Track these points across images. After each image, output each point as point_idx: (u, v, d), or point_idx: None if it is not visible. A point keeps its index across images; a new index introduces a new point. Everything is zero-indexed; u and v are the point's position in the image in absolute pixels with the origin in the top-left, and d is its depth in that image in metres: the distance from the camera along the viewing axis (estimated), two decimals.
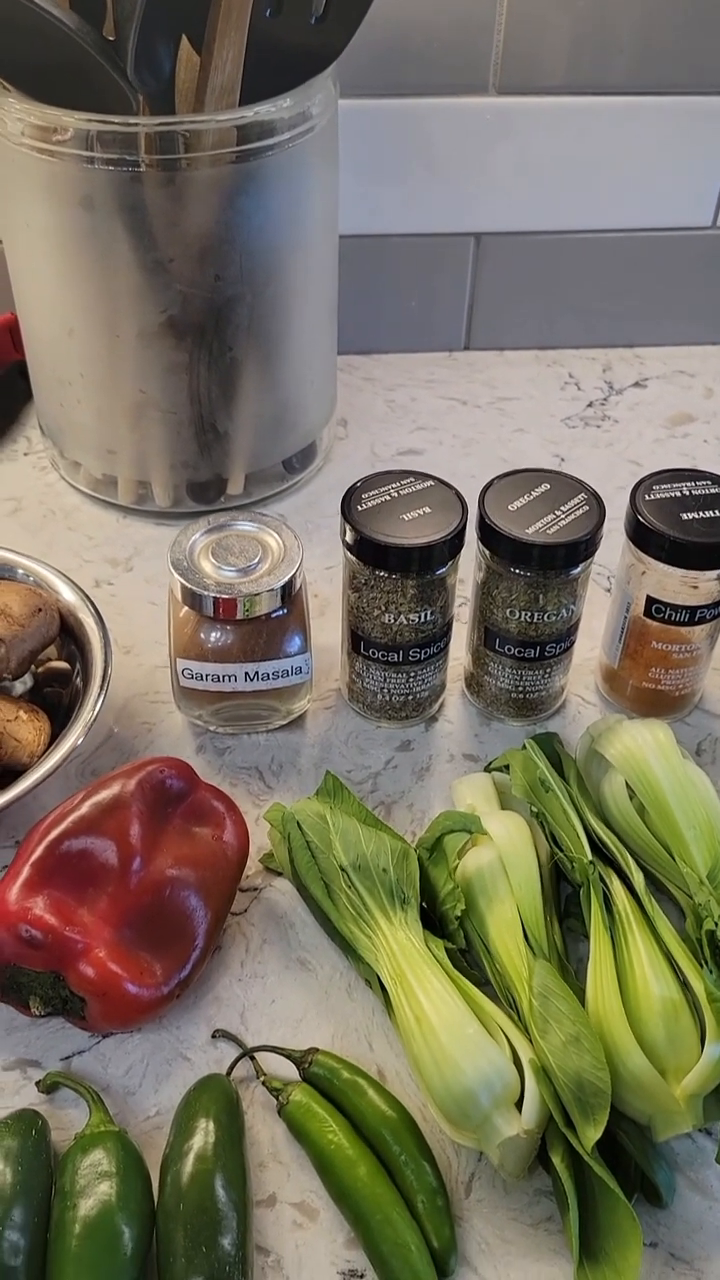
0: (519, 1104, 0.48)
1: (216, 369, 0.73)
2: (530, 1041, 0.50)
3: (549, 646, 0.64)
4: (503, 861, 0.56)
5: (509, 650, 0.64)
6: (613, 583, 0.68)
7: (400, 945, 0.53)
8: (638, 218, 0.92)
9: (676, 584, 0.62)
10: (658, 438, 0.90)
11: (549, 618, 0.63)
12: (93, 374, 0.74)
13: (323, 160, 0.72)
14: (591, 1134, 0.47)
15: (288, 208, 0.70)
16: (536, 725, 0.68)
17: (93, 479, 0.80)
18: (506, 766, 0.62)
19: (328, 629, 0.71)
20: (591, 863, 0.55)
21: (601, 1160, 0.47)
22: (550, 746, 0.63)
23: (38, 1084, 0.52)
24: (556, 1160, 0.47)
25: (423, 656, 0.64)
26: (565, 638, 0.64)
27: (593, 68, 0.84)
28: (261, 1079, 0.52)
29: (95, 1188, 0.46)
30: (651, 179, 0.90)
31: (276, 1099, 0.51)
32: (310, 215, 0.72)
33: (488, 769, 0.63)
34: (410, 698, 0.66)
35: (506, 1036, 0.50)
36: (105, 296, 0.70)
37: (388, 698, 0.66)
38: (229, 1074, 0.52)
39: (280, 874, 0.60)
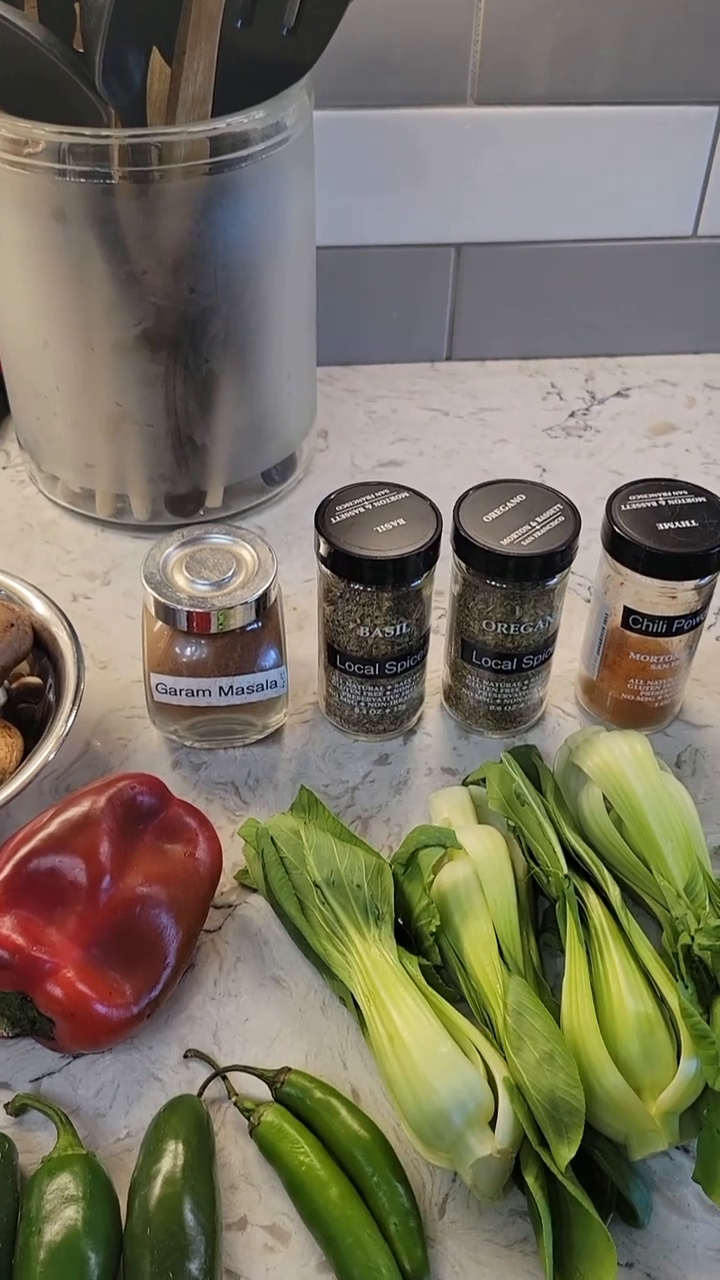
0: (493, 1123, 0.48)
1: (193, 381, 0.72)
2: (505, 1059, 0.49)
3: (526, 659, 0.64)
4: (478, 876, 0.55)
5: (486, 663, 0.64)
6: (591, 594, 0.68)
7: (374, 962, 0.52)
8: (619, 227, 0.92)
9: (654, 595, 0.62)
10: (640, 447, 0.90)
11: (526, 630, 0.62)
12: (68, 387, 0.73)
13: (298, 171, 0.72)
14: (565, 1153, 0.46)
15: (263, 219, 0.69)
16: (516, 738, 0.68)
17: (70, 492, 0.80)
18: (484, 780, 0.61)
19: (307, 642, 0.71)
20: (567, 877, 0.55)
21: (576, 1180, 0.46)
22: (528, 759, 0.62)
23: (5, 1106, 0.51)
24: (530, 1180, 0.47)
25: (399, 669, 0.64)
26: (543, 649, 0.64)
27: (572, 78, 0.84)
28: (233, 1099, 0.51)
29: (61, 1212, 0.45)
30: (632, 189, 0.90)
31: (248, 1119, 0.50)
32: (286, 226, 0.72)
33: (465, 782, 0.63)
34: (387, 711, 0.66)
35: (481, 1054, 0.49)
36: (79, 309, 0.69)
37: (365, 711, 0.66)
38: (200, 1094, 0.51)
39: (255, 890, 0.60)
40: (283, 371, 0.77)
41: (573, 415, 0.93)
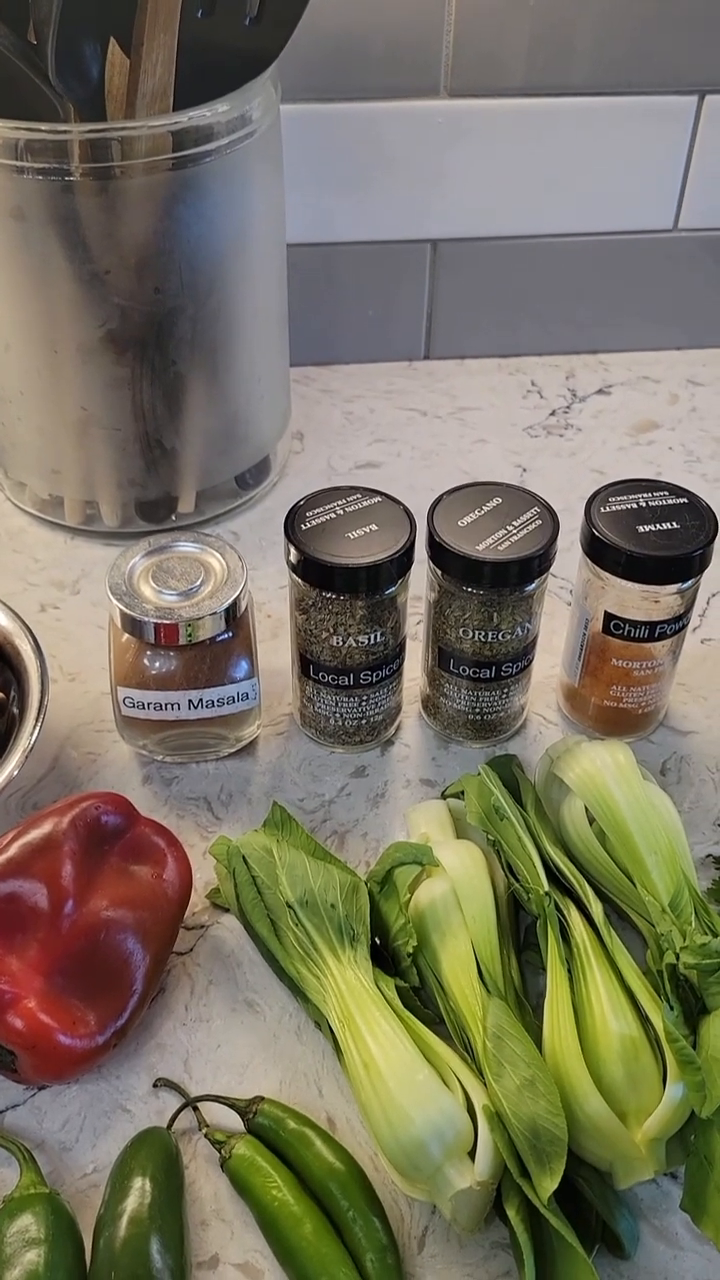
0: (472, 1153, 0.46)
1: (160, 383, 0.70)
2: (484, 1086, 0.47)
3: (505, 666, 0.62)
4: (456, 894, 0.53)
5: (464, 671, 0.62)
6: (572, 599, 0.66)
7: (349, 985, 0.50)
8: (598, 221, 0.90)
9: (636, 599, 0.60)
10: (622, 446, 0.88)
11: (504, 636, 0.60)
12: (33, 391, 0.71)
13: (265, 166, 0.70)
14: (547, 1184, 0.44)
15: (229, 216, 0.68)
16: (497, 746, 0.66)
17: (39, 499, 0.78)
18: (463, 793, 0.59)
19: (282, 650, 0.69)
20: (548, 894, 0.53)
21: (559, 1211, 0.45)
22: (508, 770, 0.61)
23: None
24: (511, 1213, 0.45)
25: (375, 679, 0.62)
26: (522, 656, 0.62)
27: (548, 69, 0.82)
28: (204, 1131, 0.49)
29: (22, 1256, 0.43)
30: (611, 181, 0.88)
31: (219, 1152, 0.48)
32: (254, 223, 0.70)
33: (444, 795, 0.61)
34: (364, 722, 0.64)
35: (460, 1081, 0.48)
36: (42, 310, 0.67)
37: (340, 722, 0.64)
38: (170, 1126, 0.49)
39: (227, 910, 0.58)
40: (254, 373, 0.75)
41: (553, 414, 0.91)
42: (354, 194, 0.86)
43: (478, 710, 0.64)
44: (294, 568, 0.59)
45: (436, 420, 0.90)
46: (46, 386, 0.71)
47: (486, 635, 0.60)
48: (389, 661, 0.62)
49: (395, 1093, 0.46)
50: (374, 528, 0.59)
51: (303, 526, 0.59)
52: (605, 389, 0.93)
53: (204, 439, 0.75)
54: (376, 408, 0.91)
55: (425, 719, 0.67)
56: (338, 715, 0.63)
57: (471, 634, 0.60)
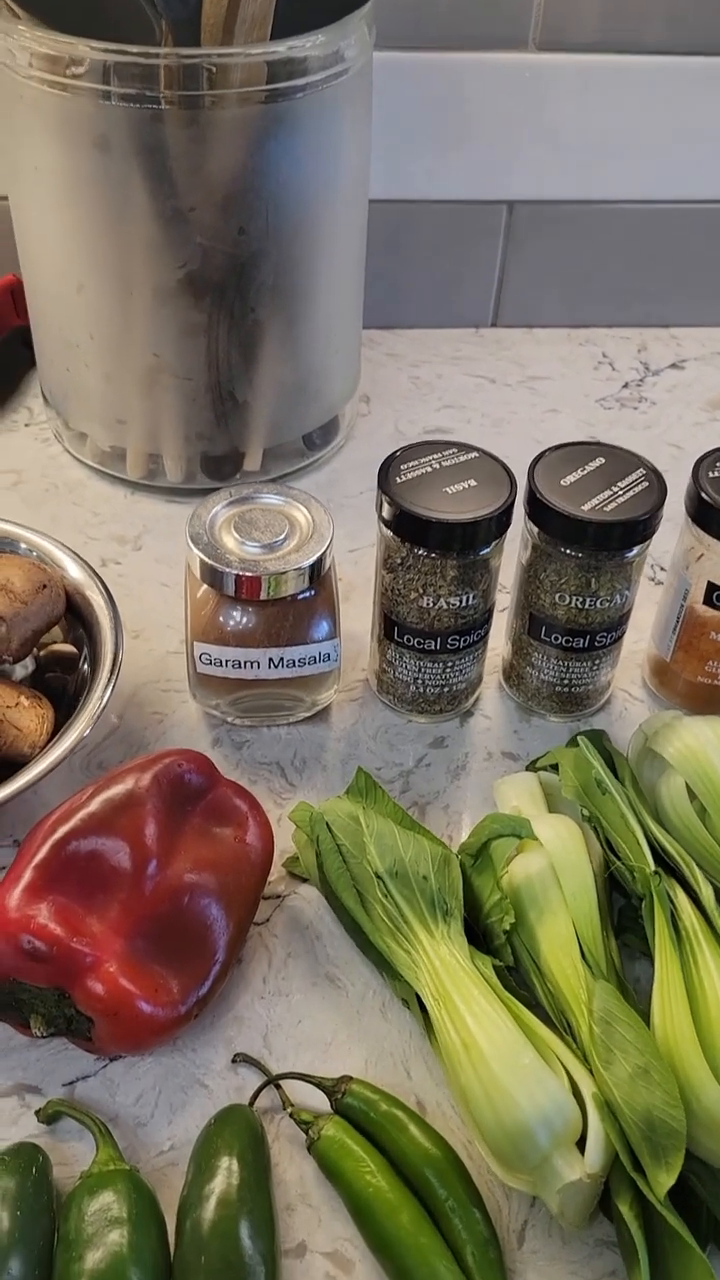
0: (580, 1144, 0.43)
1: (237, 331, 0.67)
2: (591, 1073, 0.45)
3: (599, 636, 0.59)
4: (555, 870, 0.50)
5: (555, 639, 0.59)
6: (667, 568, 0.63)
7: (443, 961, 0.47)
8: (676, 188, 0.87)
9: None
10: (698, 421, 0.85)
11: (601, 604, 0.57)
12: (103, 335, 0.68)
13: (356, 110, 0.67)
14: (664, 1179, 0.41)
15: (318, 157, 0.64)
16: (580, 721, 0.63)
17: (100, 451, 0.75)
18: (553, 766, 0.56)
19: (352, 616, 0.66)
20: (655, 873, 0.50)
21: (674, 1209, 0.42)
22: (600, 744, 0.58)
23: (37, 1113, 0.46)
24: (624, 1209, 0.42)
25: (461, 645, 0.59)
26: (616, 626, 0.59)
27: (643, 24, 0.79)
28: (288, 1110, 0.46)
29: (105, 1236, 0.40)
30: (694, 147, 0.85)
31: (306, 1133, 0.45)
32: (342, 167, 0.67)
33: (532, 767, 0.58)
34: (446, 690, 0.61)
35: (565, 1067, 0.45)
36: (119, 249, 0.64)
37: (421, 689, 0.61)
38: (252, 1104, 0.46)
39: (306, 880, 0.55)
40: (331, 325, 0.72)
41: (626, 386, 0.88)
42: (432, 150, 0.83)
43: (566, 682, 0.61)
44: (386, 522, 0.56)
45: (506, 388, 0.87)
46: (118, 331, 0.67)
47: (583, 601, 0.57)
48: (477, 627, 0.59)
49: (499, 1075, 0.43)
50: (472, 483, 0.56)
51: (397, 479, 0.56)
52: (679, 363, 0.90)
53: (276, 393, 0.72)
54: (444, 373, 0.88)
55: (507, 690, 0.64)
56: (419, 682, 0.60)
57: (567, 600, 0.57)
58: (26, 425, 0.80)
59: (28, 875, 0.45)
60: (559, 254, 0.89)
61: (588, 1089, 0.44)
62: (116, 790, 0.48)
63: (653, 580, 0.71)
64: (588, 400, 0.86)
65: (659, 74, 0.81)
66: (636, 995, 0.49)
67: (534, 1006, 0.48)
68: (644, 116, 0.83)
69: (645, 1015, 0.47)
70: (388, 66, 0.78)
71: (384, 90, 0.78)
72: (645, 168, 0.85)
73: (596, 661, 0.60)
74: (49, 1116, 0.46)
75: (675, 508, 0.58)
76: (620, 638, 0.60)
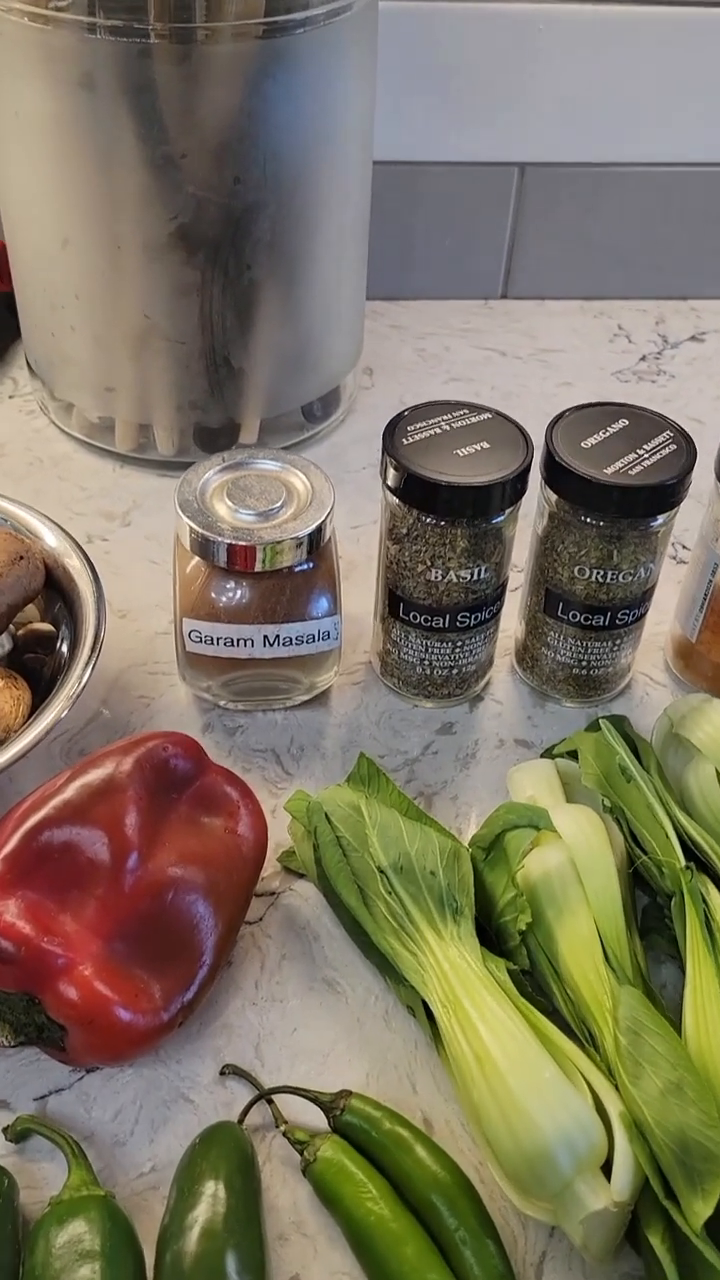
0: (605, 1168, 0.39)
1: (232, 291, 0.63)
2: (617, 1089, 0.40)
3: (620, 613, 0.54)
4: (575, 865, 0.46)
5: (573, 617, 0.55)
6: (694, 543, 0.59)
7: (453, 965, 0.43)
8: (701, 151, 0.82)
9: None
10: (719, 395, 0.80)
11: (623, 578, 0.53)
12: (89, 295, 0.64)
13: (359, 51, 0.62)
14: (701, 1209, 0.37)
15: (319, 102, 0.60)
16: (598, 707, 0.59)
17: (87, 423, 0.71)
18: (572, 752, 0.52)
19: (353, 594, 0.62)
20: (687, 868, 0.45)
21: (710, 1242, 0.37)
22: (623, 730, 0.53)
23: (5, 1130, 0.42)
24: (655, 1241, 0.38)
25: (471, 623, 0.54)
26: (639, 604, 0.55)
27: None
28: (281, 1128, 0.42)
29: (75, 1271, 0.36)
30: (715, 107, 0.81)
31: (300, 1154, 0.41)
32: (344, 116, 0.63)
33: (549, 754, 0.53)
34: (454, 672, 0.56)
35: (588, 1082, 0.40)
36: (106, 200, 0.60)
37: (428, 671, 0.56)
38: (241, 1121, 0.42)
39: (302, 875, 0.50)
40: (332, 288, 0.68)
41: (644, 359, 0.83)
42: (438, 107, 0.79)
43: (583, 664, 0.56)
44: (392, 488, 0.51)
45: (517, 361, 0.82)
46: (106, 289, 0.63)
47: (604, 575, 0.53)
48: (489, 604, 0.54)
49: (516, 1091, 0.39)
50: (485, 445, 0.51)
51: (404, 441, 0.51)
52: (699, 335, 0.86)
53: (275, 360, 0.67)
54: (451, 346, 0.83)
55: (519, 673, 0.60)
56: (426, 663, 0.56)
57: (587, 573, 0.53)
58: (11, 397, 0.76)
59: None
60: (572, 221, 0.85)
61: (614, 1107, 0.40)
62: (94, 775, 0.44)
63: (674, 559, 0.67)
64: (603, 373, 0.82)
65: (683, 27, 0.77)
66: (664, 1002, 0.45)
67: (552, 1014, 0.43)
68: (664, 73, 0.79)
69: (676, 1024, 0.42)
70: (393, 16, 0.73)
71: (389, 41, 0.74)
72: (665, 128, 0.81)
73: (617, 641, 0.56)
74: (17, 1134, 0.42)
75: (699, 483, 0.54)
76: (643, 616, 0.56)
